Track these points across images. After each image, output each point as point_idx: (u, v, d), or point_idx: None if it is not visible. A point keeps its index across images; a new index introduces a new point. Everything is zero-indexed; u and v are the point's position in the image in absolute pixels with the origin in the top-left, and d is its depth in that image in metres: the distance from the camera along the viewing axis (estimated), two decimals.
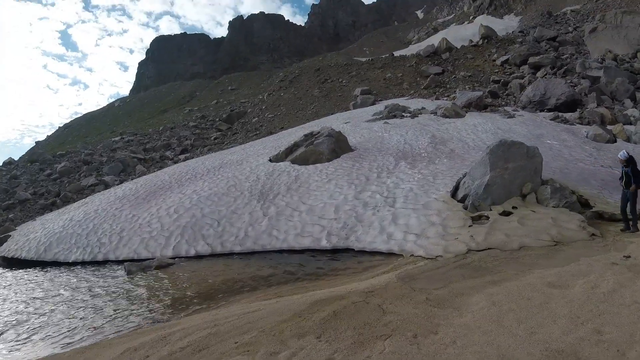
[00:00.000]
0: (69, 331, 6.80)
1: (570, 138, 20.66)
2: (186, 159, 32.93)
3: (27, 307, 8.65)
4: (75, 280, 10.59)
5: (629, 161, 9.01)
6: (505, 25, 76.00)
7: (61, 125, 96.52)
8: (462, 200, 10.90)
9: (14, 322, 7.78)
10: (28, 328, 7.30)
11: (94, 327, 6.74)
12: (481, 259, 7.19)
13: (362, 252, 9.34)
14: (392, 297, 5.45)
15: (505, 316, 4.60)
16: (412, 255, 8.39)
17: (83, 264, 12.79)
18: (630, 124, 22.83)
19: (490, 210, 10.15)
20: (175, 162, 32.02)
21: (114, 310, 7.52)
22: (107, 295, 8.70)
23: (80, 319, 7.39)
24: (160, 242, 12.27)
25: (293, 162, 17.05)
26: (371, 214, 10.83)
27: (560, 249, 7.54)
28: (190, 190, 15.84)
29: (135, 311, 7.31)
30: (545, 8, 73.02)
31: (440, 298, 5.30)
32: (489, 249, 7.79)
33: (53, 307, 8.36)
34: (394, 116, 28.09)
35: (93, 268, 12.00)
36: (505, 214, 9.77)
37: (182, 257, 11.31)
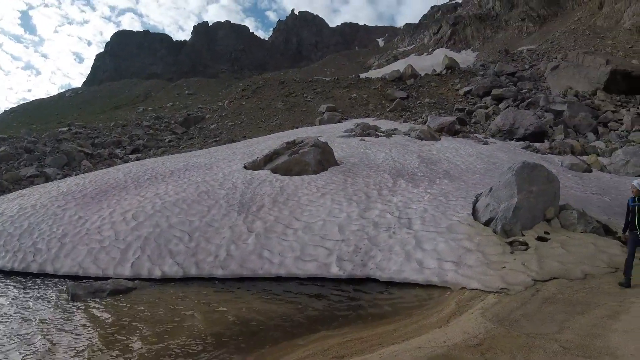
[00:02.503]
0: None
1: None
2: (137, 159, 30.02)
3: None
4: None
5: None
6: (462, 59, 78.42)
7: (7, 109, 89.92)
8: (487, 224, 9.72)
9: None
10: None
11: None
12: (560, 290, 6.44)
13: (390, 284, 7.48)
14: (516, 350, 4.41)
15: None
16: (464, 288, 6.87)
17: (10, 274, 9.89)
18: (598, 154, 23.08)
19: (523, 235, 9.16)
20: (125, 162, 29.02)
21: None
22: (41, 338, 6.01)
23: None
24: (113, 256, 9.65)
25: (274, 171, 14.95)
26: (387, 237, 8.98)
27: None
28: (152, 194, 13.21)
29: None
30: (502, 46, 76.21)
31: (576, 345, 4.55)
32: (553, 278, 6.99)
33: None
34: (368, 134, 27.22)
35: (23, 282, 9.22)
36: (542, 239, 8.94)
37: (143, 278, 8.81)
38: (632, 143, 25.00)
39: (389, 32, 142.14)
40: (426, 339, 4.73)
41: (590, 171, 19.85)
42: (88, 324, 6.52)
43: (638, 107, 32.40)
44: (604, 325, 4.99)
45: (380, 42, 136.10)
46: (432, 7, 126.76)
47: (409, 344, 4.64)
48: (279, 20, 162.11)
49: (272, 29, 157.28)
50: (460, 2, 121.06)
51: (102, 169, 25.14)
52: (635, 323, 4.92)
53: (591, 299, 5.95)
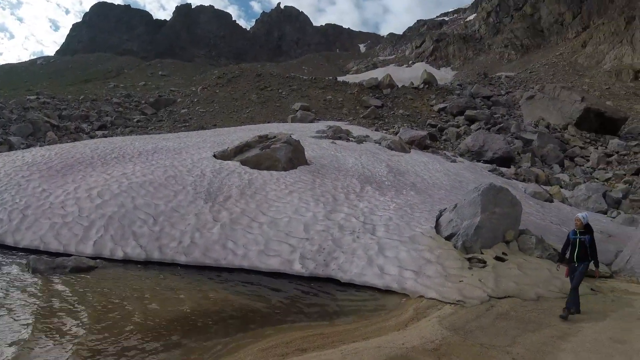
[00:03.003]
0: None
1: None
2: (104, 135, 29.28)
3: None
4: None
5: (588, 228, 7.09)
6: (441, 76, 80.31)
7: None
8: (449, 239, 10.08)
9: None
10: None
11: None
12: (513, 308, 6.81)
13: (351, 285, 7.72)
14: (471, 357, 4.73)
15: None
16: (422, 296, 7.17)
17: None
18: (561, 186, 24.00)
19: (482, 253, 9.54)
20: (92, 137, 28.26)
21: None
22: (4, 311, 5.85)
23: None
24: (76, 233, 9.44)
25: (243, 163, 14.92)
26: (351, 240, 9.21)
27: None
28: (119, 173, 12.93)
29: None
30: (481, 69, 78.36)
31: (527, 359, 4.83)
32: (508, 297, 7.38)
33: None
34: (340, 138, 27.34)
35: None
36: (499, 259, 9.32)
37: (105, 258, 8.66)
38: (595, 180, 25.77)
39: (372, 39, 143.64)
40: (385, 340, 4.97)
41: (552, 201, 20.60)
42: (49, 299, 6.40)
43: (606, 147, 33.56)
44: (553, 344, 5.29)
45: (362, 47, 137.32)
46: (418, 21, 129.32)
47: (369, 343, 4.87)
48: (263, 11, 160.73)
49: (254, 20, 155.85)
50: (446, 19, 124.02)
51: (67, 142, 24.46)
52: (583, 346, 5.26)
53: (543, 319, 6.26)
